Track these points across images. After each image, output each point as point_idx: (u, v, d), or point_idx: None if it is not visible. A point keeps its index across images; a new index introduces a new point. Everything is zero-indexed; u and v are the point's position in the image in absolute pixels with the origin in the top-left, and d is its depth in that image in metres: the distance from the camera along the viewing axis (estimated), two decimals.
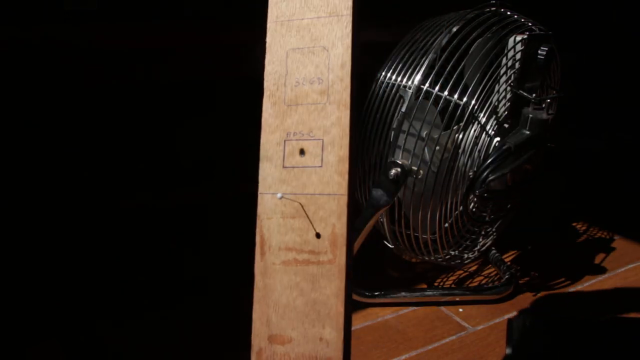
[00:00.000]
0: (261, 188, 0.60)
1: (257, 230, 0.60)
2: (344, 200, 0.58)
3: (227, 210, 0.67)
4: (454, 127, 0.80)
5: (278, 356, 0.59)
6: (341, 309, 0.58)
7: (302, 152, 0.59)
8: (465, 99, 0.79)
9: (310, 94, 0.60)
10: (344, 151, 0.58)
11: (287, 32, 0.61)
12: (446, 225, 0.86)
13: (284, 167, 0.60)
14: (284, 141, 0.60)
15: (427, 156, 0.79)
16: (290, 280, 0.59)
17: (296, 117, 0.60)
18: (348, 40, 0.59)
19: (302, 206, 0.59)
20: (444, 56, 0.79)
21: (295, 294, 0.59)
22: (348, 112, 0.58)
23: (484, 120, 0.82)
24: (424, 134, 0.79)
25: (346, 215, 0.57)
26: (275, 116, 0.61)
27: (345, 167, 0.58)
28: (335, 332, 0.58)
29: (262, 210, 0.60)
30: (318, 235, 0.58)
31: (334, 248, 0.58)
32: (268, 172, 0.60)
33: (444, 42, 0.81)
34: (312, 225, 0.58)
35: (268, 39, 0.61)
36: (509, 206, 0.93)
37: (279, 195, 0.59)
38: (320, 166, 0.59)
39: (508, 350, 0.72)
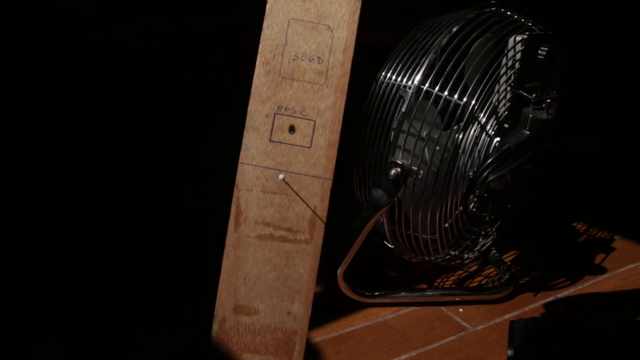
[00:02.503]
0: (243, 158, 0.59)
1: (234, 200, 0.59)
2: (329, 184, 0.58)
3: (229, 212, 0.67)
4: (454, 127, 0.80)
5: (243, 326, 0.59)
6: (312, 286, 0.59)
7: (292, 129, 0.58)
8: (465, 99, 0.79)
9: (308, 72, 0.58)
10: (335, 136, 0.58)
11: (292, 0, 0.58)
12: (446, 225, 0.86)
13: (270, 140, 0.58)
14: (274, 114, 0.58)
15: (427, 156, 0.79)
16: (264, 255, 0.59)
17: (290, 92, 0.58)
18: (354, 27, 0.58)
19: (287, 184, 0.59)
20: (444, 56, 0.79)
21: (268, 268, 0.59)
22: (344, 98, 0.58)
23: (484, 120, 0.82)
24: (424, 134, 0.79)
25: (328, 199, 0.58)
26: (268, 86, 0.58)
27: (334, 152, 0.58)
28: (303, 307, 0.58)
29: (241, 181, 0.58)
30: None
31: (312, 229, 0.58)
32: (252, 143, 0.58)
33: (444, 42, 0.81)
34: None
35: (269, 4, 0.59)
36: (509, 206, 0.94)
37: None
38: (309, 147, 0.58)
39: (509, 352, 0.72)
